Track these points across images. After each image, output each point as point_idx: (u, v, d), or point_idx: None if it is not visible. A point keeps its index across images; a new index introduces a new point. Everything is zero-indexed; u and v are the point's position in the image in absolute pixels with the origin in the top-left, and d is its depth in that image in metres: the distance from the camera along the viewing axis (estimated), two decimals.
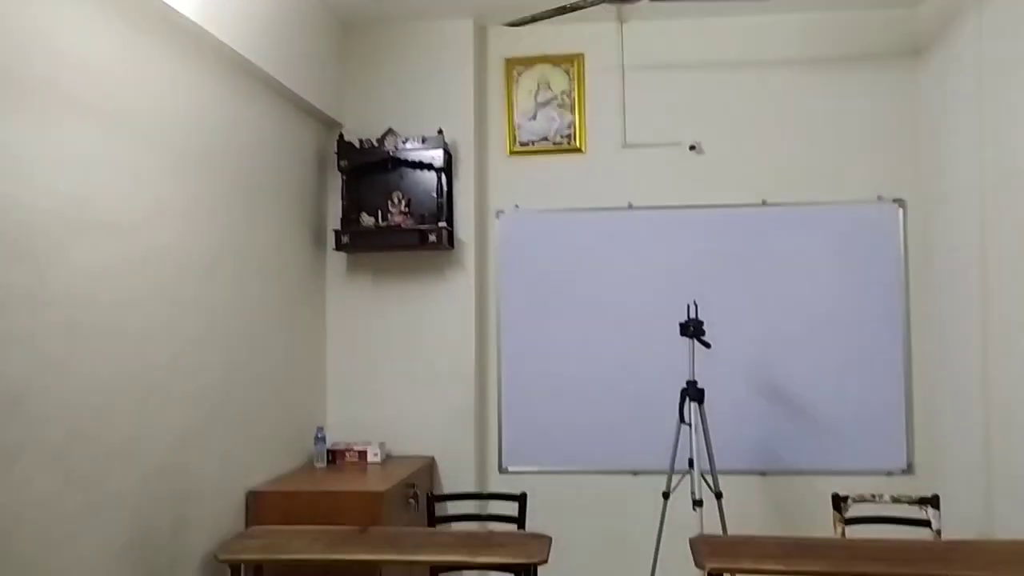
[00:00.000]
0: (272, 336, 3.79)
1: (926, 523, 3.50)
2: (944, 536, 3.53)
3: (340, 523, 3.41)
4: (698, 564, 2.89)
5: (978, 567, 2.79)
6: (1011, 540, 3.12)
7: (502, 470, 4.44)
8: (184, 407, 3.07)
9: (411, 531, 3.22)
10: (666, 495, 3.93)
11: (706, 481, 3.84)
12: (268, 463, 3.72)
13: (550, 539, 3.13)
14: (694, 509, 3.67)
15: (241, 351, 3.48)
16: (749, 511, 4.31)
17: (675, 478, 3.96)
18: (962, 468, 3.92)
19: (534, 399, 4.45)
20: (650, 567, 4.06)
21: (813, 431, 4.28)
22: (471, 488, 4.32)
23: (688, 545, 3.08)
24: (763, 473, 4.32)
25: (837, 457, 4.26)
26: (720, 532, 3.88)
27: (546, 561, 2.92)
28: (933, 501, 3.52)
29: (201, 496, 3.16)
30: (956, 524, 3.83)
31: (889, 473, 4.24)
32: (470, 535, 3.18)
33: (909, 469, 4.22)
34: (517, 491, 3.77)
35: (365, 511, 3.42)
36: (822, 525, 4.23)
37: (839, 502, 3.57)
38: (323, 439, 4.07)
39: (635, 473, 4.39)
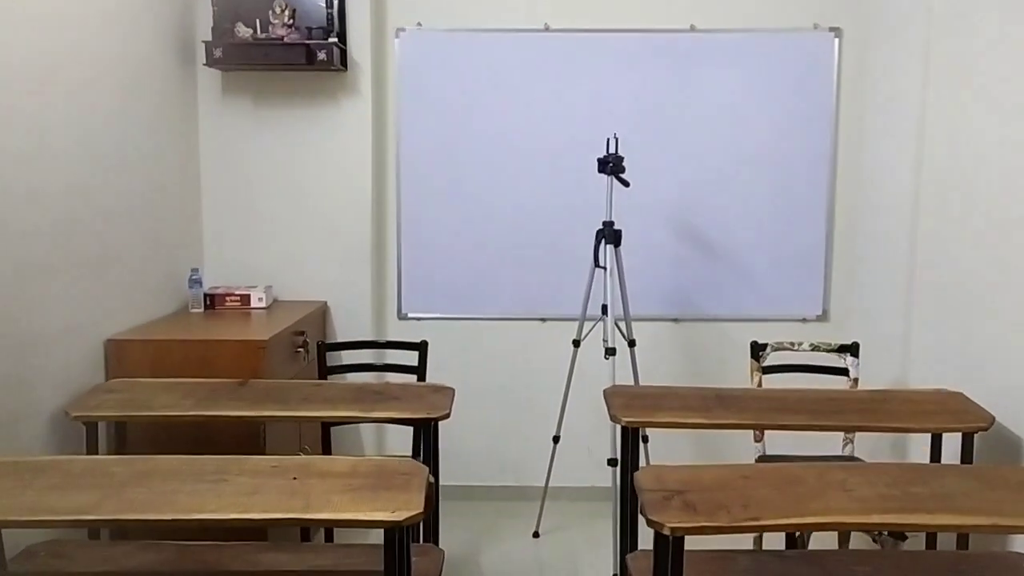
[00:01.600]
0: (129, 162, 3.26)
1: (843, 371, 3.37)
2: (861, 386, 3.41)
3: (217, 376, 3.04)
4: (613, 418, 2.66)
5: (898, 417, 2.65)
6: (928, 389, 3.00)
7: (401, 316, 4.12)
8: (15, 240, 2.58)
9: (297, 384, 2.88)
10: (576, 343, 3.69)
11: (619, 329, 3.61)
12: (133, 308, 3.28)
13: (452, 391, 2.84)
14: (606, 358, 3.45)
15: (86, 177, 2.95)
16: (661, 359, 4.14)
17: (586, 326, 3.71)
18: (879, 317, 3.80)
19: (437, 240, 4.08)
20: (557, 418, 3.86)
21: (730, 276, 4.08)
22: (368, 337, 3.99)
23: (601, 396, 2.85)
24: (676, 320, 4.12)
25: (752, 303, 4.09)
26: (632, 382, 3.69)
27: (448, 415, 2.65)
28: (852, 349, 3.38)
29: (47, 344, 2.72)
30: (870, 374, 3.74)
31: (804, 320, 4.11)
32: (363, 387, 2.86)
33: (824, 316, 4.10)
34: (417, 339, 3.47)
35: (245, 362, 3.05)
36: (736, 374, 4.10)
37: (758, 350, 3.39)
38: (199, 282, 3.63)
39: (544, 320, 4.14)
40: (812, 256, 4.07)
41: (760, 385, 3.36)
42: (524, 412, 4.18)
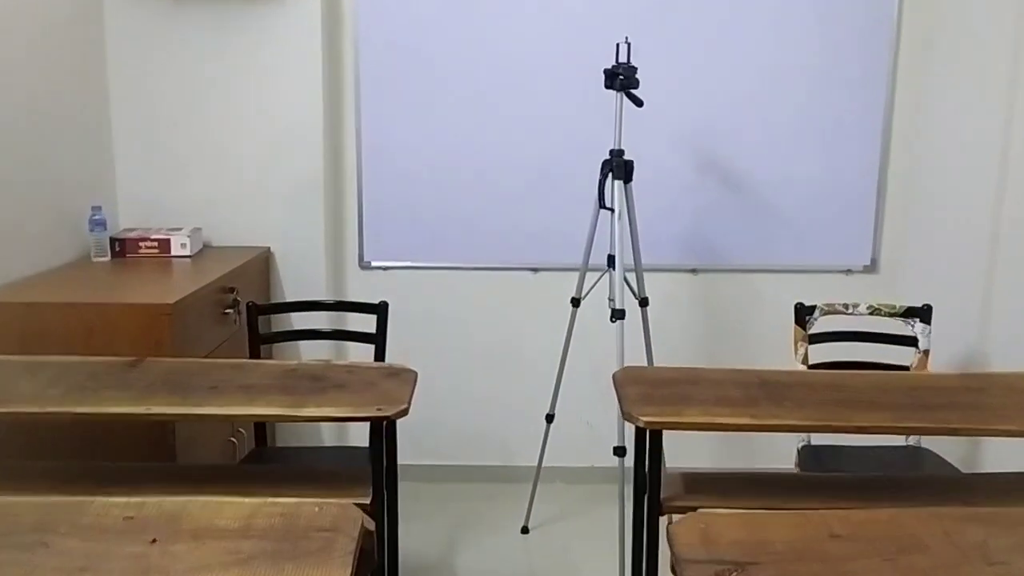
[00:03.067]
0: (5, 65, 2.50)
1: (910, 340, 2.69)
2: (932, 361, 2.73)
3: (113, 352, 2.34)
4: (628, 416, 1.98)
5: (1010, 415, 1.97)
6: None
7: (364, 265, 3.41)
8: None
9: (209, 364, 2.18)
10: (576, 302, 2.99)
11: (629, 285, 2.91)
12: (11, 256, 2.56)
13: (414, 376, 2.15)
14: (613, 320, 2.75)
15: None
16: (677, 319, 3.45)
17: (588, 279, 3.01)
18: (947, 271, 3.10)
19: (407, 172, 3.34)
20: (552, 392, 3.19)
21: (759, 218, 3.36)
22: (321, 289, 3.29)
23: (604, 363, 2.17)
24: (695, 270, 3.42)
25: (786, 251, 3.39)
26: (643, 352, 3.00)
27: (406, 411, 1.96)
28: (923, 314, 2.69)
29: None
30: (935, 344, 3.06)
31: (848, 271, 3.41)
32: (297, 370, 2.16)
33: (872, 267, 3.40)
34: (380, 294, 2.77)
35: (148, 332, 2.35)
36: (768, 336, 3.43)
37: (804, 315, 2.70)
38: (102, 223, 2.90)
39: (536, 270, 3.43)
40: (860, 195, 3.35)
41: (807, 358, 2.68)
42: (511, 381, 3.51)
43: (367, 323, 2.69)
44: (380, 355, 2.68)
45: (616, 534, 3.14)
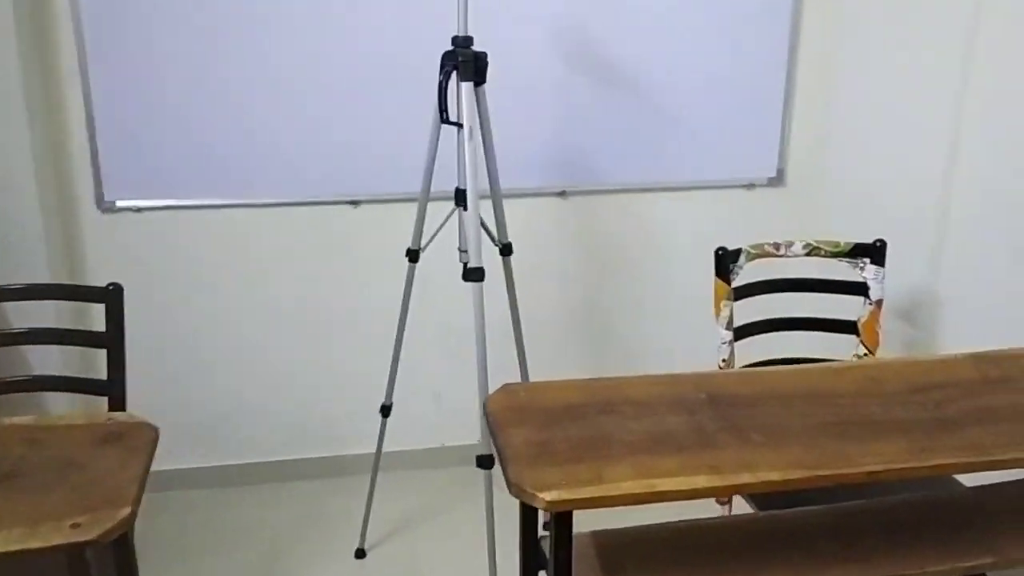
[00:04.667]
0: None
1: (858, 288, 2.04)
2: (886, 306, 2.11)
3: None
4: (516, 489, 1.20)
5: None
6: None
7: (105, 206, 2.40)
8: None
9: None
10: (414, 255, 2.15)
11: (486, 229, 2.09)
12: None
13: (152, 437, 1.28)
14: (467, 280, 1.94)
15: None
16: (543, 258, 2.67)
17: (430, 221, 2.17)
18: (867, 180, 2.47)
19: (161, 71, 2.32)
20: (387, 374, 2.36)
21: (644, 125, 2.60)
22: (39, 244, 2.27)
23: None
24: (563, 193, 2.64)
25: (673, 164, 2.65)
26: (508, 318, 2.22)
27: (129, 522, 1.10)
28: (875, 253, 2.04)
29: None
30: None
31: (750, 185, 2.73)
32: None
33: (779, 179, 2.73)
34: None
35: None
36: (662, 273, 2.73)
37: (727, 263, 1.98)
38: None
39: (356, 203, 2.54)
40: (764, 93, 2.64)
41: (731, 321, 1.98)
42: (332, 351, 2.65)
43: (92, 317, 1.75)
44: (117, 384, 1.74)
45: (483, 547, 2.42)
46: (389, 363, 2.31)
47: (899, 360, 1.54)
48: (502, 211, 2.12)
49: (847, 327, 2.05)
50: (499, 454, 1.26)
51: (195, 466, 2.66)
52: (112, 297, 1.69)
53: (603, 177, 2.62)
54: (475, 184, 1.92)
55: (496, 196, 2.10)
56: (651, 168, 2.64)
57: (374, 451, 2.33)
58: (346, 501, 2.61)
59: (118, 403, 1.72)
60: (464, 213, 2.00)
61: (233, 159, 2.41)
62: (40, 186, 2.24)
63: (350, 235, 2.56)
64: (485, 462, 1.98)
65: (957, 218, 2.14)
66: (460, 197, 2.02)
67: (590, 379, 1.43)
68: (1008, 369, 1.50)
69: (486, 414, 1.34)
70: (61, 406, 2.33)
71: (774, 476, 1.22)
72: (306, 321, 2.60)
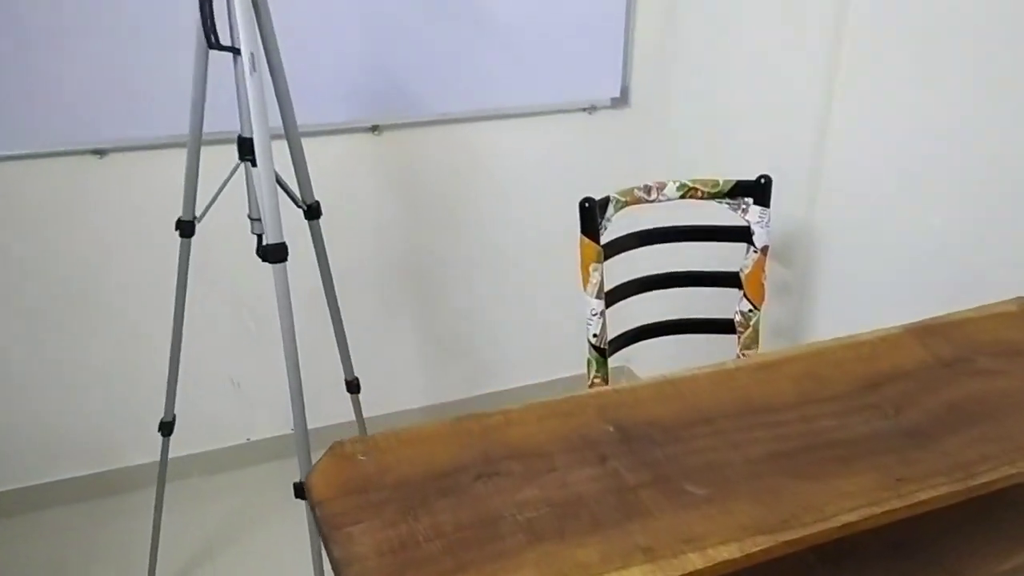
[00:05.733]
0: None
1: (741, 234, 1.73)
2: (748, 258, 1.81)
3: None
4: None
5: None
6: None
7: None
8: None
9: None
10: (187, 227, 1.61)
11: (284, 188, 1.58)
12: None
13: None
14: (262, 257, 1.46)
15: None
16: (358, 213, 2.19)
17: (206, 177, 1.63)
18: (727, 97, 2.16)
19: None
20: (164, 383, 1.83)
21: (467, 43, 2.14)
22: None
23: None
24: (376, 128, 2.15)
25: (501, 89, 2.23)
26: (317, 289, 1.75)
27: None
28: (758, 192, 1.72)
29: None
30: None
31: (591, 108, 2.35)
32: None
33: (623, 99, 2.37)
34: None
35: None
36: (501, 216, 2.33)
37: (593, 216, 1.60)
38: None
39: (101, 153, 1.94)
40: (601, 1, 2.25)
41: (602, 287, 1.61)
42: (82, 350, 2.07)
43: None
44: None
45: (309, 565, 1.99)
46: (165, 366, 1.79)
47: (835, 344, 1.23)
48: (304, 161, 1.62)
49: (728, 280, 1.75)
50: (338, 572, 0.83)
51: None
52: None
53: (423, 107, 2.16)
54: (265, 131, 1.41)
55: (294, 142, 1.59)
56: (479, 94, 2.20)
57: (156, 460, 1.83)
58: (129, 523, 2.09)
59: None
60: (253, 170, 1.49)
61: None
62: None
63: (95, 205, 1.96)
64: (299, 493, 1.54)
65: (832, 147, 1.86)
66: (245, 148, 1.50)
67: (456, 419, 1.02)
68: (959, 345, 1.23)
69: (312, 503, 0.90)
70: None
71: (729, 553, 0.87)
72: (43, 309, 2.00)
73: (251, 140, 1.46)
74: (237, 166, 1.56)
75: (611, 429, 1.02)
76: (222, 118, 1.70)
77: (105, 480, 2.18)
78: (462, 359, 2.47)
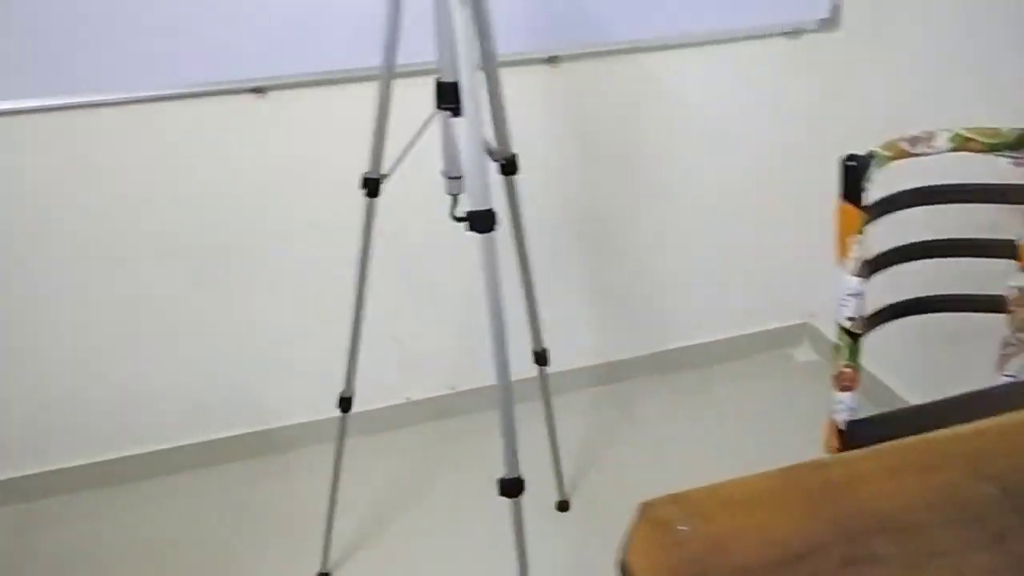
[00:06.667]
0: None
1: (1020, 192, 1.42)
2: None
3: None
4: None
5: None
6: None
7: None
8: None
9: None
10: (373, 187, 1.41)
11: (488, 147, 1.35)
12: None
13: None
14: (472, 229, 1.24)
15: None
16: (529, 166, 1.95)
17: (397, 127, 1.42)
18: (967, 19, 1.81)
19: None
20: (347, 357, 1.66)
21: None
22: None
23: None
24: (553, 59, 1.89)
25: (689, 6, 1.93)
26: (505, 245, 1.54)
27: None
28: None
29: None
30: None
31: (792, 32, 2.03)
32: None
33: (832, 22, 2.04)
34: None
35: None
36: (689, 170, 2.08)
37: (857, 177, 1.32)
38: None
39: (262, 90, 1.74)
40: None
41: (863, 261, 1.34)
42: (234, 305, 1.92)
43: None
44: None
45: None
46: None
47: None
48: (502, 107, 1.38)
49: (996, 249, 1.45)
50: None
51: (69, 465, 1.95)
52: None
53: (604, 35, 1.88)
54: (474, 76, 1.17)
55: (494, 85, 1.35)
56: (663, 18, 1.90)
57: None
58: (287, 483, 1.97)
59: None
60: (453, 121, 1.26)
61: (73, 40, 1.55)
62: None
63: (257, 137, 1.77)
64: (512, 487, 1.35)
65: None
66: (446, 96, 1.27)
67: (786, 472, 0.79)
68: None
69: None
70: None
71: None
72: (196, 256, 1.84)
73: (454, 86, 1.23)
74: (431, 116, 1.34)
75: (993, 490, 0.78)
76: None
77: (260, 440, 2.06)
78: (639, 313, 2.25)
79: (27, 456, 1.91)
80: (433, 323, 2.09)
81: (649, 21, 1.89)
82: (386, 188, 1.82)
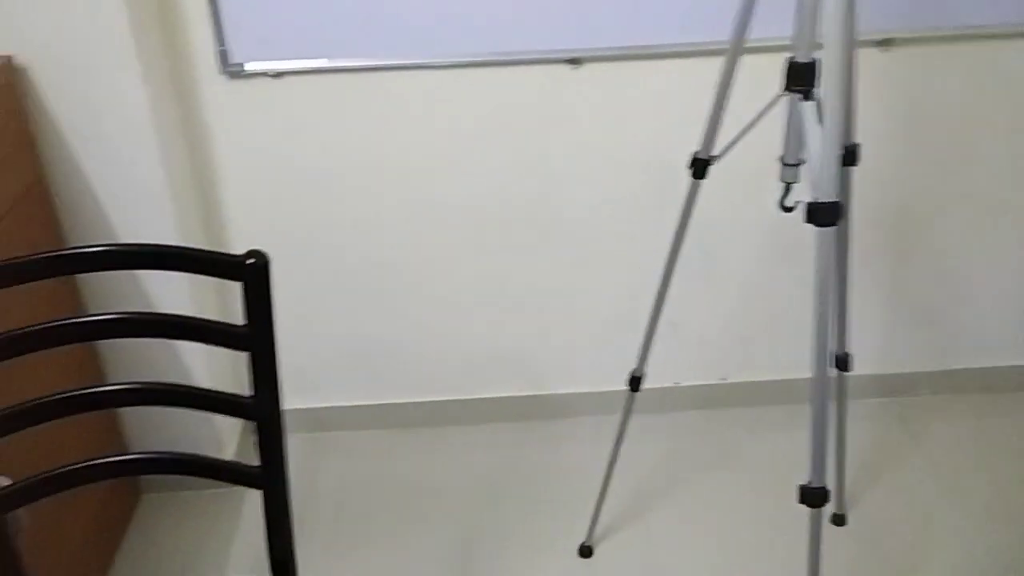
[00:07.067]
0: None
1: None
2: None
3: None
4: None
5: None
6: None
7: (232, 70, 1.68)
8: None
9: None
10: (700, 168, 1.36)
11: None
12: None
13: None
14: (812, 221, 1.16)
15: None
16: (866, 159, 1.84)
17: (736, 105, 1.36)
18: None
19: None
20: (636, 363, 1.64)
21: None
22: (145, 128, 1.59)
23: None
24: (887, 42, 1.75)
25: None
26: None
27: None
28: None
29: None
30: None
31: None
32: None
33: None
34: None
35: None
36: None
37: None
38: None
39: (576, 62, 1.74)
40: None
41: None
42: (529, 267, 1.95)
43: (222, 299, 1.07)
44: (265, 402, 1.08)
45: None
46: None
47: None
48: (850, 95, 1.29)
49: None
50: None
51: (360, 403, 2.08)
52: (254, 274, 1.00)
53: (947, 17, 1.72)
54: (845, 57, 1.09)
55: (846, 68, 1.26)
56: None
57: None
58: (551, 451, 2.00)
59: (269, 430, 1.08)
60: (803, 105, 1.19)
61: (404, 4, 1.63)
62: (139, 44, 1.53)
63: (568, 109, 1.78)
64: (815, 497, 1.28)
65: None
66: (799, 77, 1.20)
67: None
68: None
69: None
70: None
71: None
72: (500, 222, 1.89)
73: (809, 67, 1.16)
74: (776, 98, 1.27)
75: None
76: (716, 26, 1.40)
77: (533, 404, 2.11)
78: (934, 324, 2.07)
79: (326, 389, 2.05)
80: (709, 310, 2.03)
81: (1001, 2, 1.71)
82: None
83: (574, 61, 1.73)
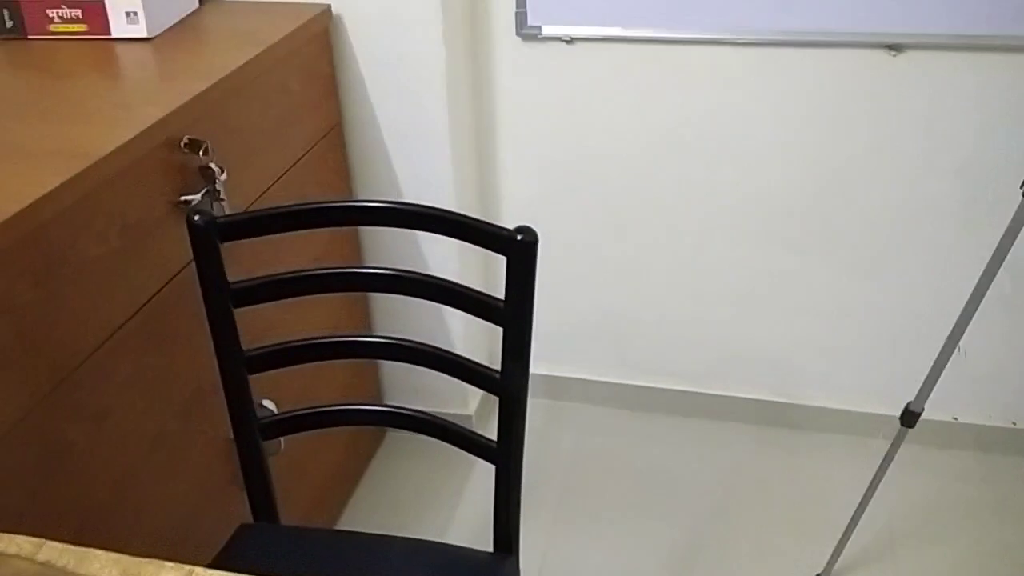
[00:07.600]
0: None
1: None
2: None
3: None
4: None
5: None
6: None
7: (527, 33, 1.67)
8: None
9: None
10: None
11: None
12: None
13: None
14: None
15: None
16: None
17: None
18: None
19: None
20: (914, 397, 1.47)
21: None
22: (440, 88, 1.63)
23: None
24: None
25: None
26: None
27: None
28: None
29: None
30: None
31: None
32: None
33: None
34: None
35: None
36: None
37: None
38: None
39: (896, 48, 1.55)
40: None
41: None
42: (801, 268, 1.80)
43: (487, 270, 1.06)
44: (516, 376, 1.06)
45: None
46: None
47: None
48: None
49: None
50: None
51: (599, 379, 2.05)
52: (521, 250, 0.98)
53: None
54: None
55: None
56: None
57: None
58: (793, 465, 1.87)
59: (512, 408, 1.06)
60: None
61: None
62: (445, 1, 1.56)
63: (883, 101, 1.60)
64: None
65: None
66: None
67: None
68: None
69: None
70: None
71: None
72: (782, 215, 1.75)
73: None
74: None
75: None
76: None
77: (775, 410, 1.97)
78: None
79: (571, 360, 2.04)
80: (1007, 343, 1.78)
81: None
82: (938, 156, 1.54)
83: (894, 47, 1.55)
